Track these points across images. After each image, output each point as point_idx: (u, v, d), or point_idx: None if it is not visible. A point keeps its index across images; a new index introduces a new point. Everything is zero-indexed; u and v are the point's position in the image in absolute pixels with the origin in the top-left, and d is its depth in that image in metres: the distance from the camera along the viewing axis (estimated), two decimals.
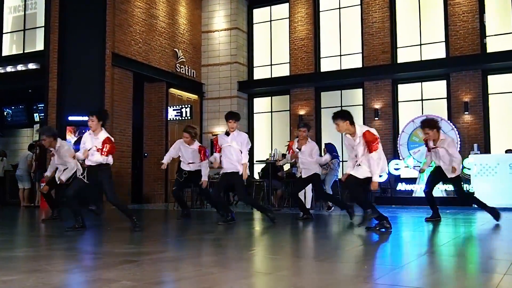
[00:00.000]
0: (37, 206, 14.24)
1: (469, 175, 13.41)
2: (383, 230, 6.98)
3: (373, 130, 7.13)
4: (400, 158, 15.39)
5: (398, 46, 17.16)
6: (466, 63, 15.82)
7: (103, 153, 7.21)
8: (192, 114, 16.98)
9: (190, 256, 4.95)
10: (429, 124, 8.62)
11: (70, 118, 14.19)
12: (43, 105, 15.32)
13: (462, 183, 8.90)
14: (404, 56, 16.99)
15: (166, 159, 9.63)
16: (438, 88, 16.60)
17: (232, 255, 5.18)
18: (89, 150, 7.27)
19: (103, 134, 7.34)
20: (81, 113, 14.02)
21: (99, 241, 6.60)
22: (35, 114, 17.34)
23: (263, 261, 4.94)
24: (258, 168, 17.10)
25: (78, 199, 7.47)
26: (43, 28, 15.33)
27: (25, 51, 15.89)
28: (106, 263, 4.51)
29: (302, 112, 18.08)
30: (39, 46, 15.54)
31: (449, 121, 15.18)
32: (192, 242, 6.34)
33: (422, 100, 16.71)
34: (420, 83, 16.77)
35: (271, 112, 18.91)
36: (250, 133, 18.87)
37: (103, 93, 14.37)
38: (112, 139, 7.49)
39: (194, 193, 14.18)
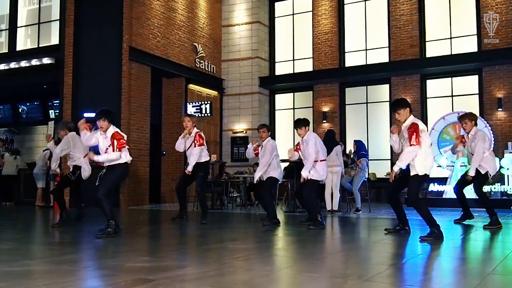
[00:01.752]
0: (51, 206, 13.73)
1: (507, 175, 12.67)
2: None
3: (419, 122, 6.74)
4: None
5: (427, 40, 16.51)
6: (499, 57, 15.07)
7: (114, 149, 6.95)
8: (211, 111, 16.40)
9: (215, 273, 4.22)
10: (469, 115, 8.76)
11: (86, 114, 13.43)
12: (58, 101, 14.89)
13: (483, 183, 8.76)
14: (433, 50, 16.34)
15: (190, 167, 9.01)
16: (469, 83, 15.92)
17: (262, 272, 4.43)
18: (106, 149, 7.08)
19: (111, 130, 7.15)
20: (97, 109, 13.45)
21: (109, 252, 5.87)
22: (50, 111, 16.88)
23: (302, 282, 4.17)
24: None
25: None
26: (58, 21, 14.83)
27: (39, 45, 15.40)
28: (116, 284, 3.79)
29: (326, 108, 17.53)
30: (54, 40, 15.05)
31: (481, 118, 14.36)
32: (215, 253, 5.61)
33: (452, 96, 16.08)
34: (450, 78, 16.16)
35: (294, 109, 18.41)
36: (272, 130, 18.20)
37: (119, 89, 13.85)
38: (122, 133, 7.15)
39: (214, 193, 13.60)
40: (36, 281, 3.91)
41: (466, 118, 8.66)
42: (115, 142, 6.95)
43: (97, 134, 7.30)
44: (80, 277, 4.24)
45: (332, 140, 11.17)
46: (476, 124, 8.65)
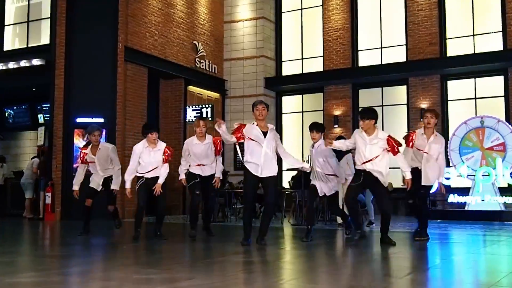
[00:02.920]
0: (40, 218, 14.28)
1: None
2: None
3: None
4: (451, 165, 14.96)
5: (447, 37, 16.91)
6: None
7: (165, 161, 8.73)
8: (213, 115, 16.82)
9: (222, 285, 4.82)
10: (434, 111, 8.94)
11: (79, 120, 14.20)
12: (48, 105, 15.34)
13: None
14: (454, 48, 16.73)
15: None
16: (494, 84, 16.31)
17: (266, 283, 5.04)
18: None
19: (162, 145, 8.78)
20: (91, 114, 14.10)
21: (114, 264, 6.50)
22: (39, 115, 17.38)
23: None
24: (288, 176, 16.88)
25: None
26: (49, 19, 15.31)
27: (29, 45, 15.89)
28: None
29: (337, 112, 17.93)
30: (45, 39, 15.53)
31: (507, 123, 14.77)
32: (220, 266, 6.22)
33: (475, 98, 16.47)
34: (473, 79, 16.52)
35: (302, 112, 18.74)
36: (279, 135, 18.65)
37: (114, 92, 14.32)
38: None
39: (216, 204, 13.77)
40: None
41: (433, 113, 8.75)
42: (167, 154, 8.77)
43: (139, 147, 8.72)
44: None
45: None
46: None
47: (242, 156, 8.43)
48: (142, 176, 8.67)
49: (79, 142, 14.02)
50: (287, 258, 7.23)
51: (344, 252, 7.87)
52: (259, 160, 7.77)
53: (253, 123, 8.02)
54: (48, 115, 15.50)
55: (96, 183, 9.72)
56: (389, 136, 8.06)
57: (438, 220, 13.42)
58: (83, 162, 9.74)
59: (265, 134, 7.95)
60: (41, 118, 17.30)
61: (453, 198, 14.17)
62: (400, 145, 8.10)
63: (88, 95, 14.20)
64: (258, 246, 7.69)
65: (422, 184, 8.52)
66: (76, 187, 9.76)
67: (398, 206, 16.55)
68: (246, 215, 8.06)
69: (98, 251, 8.02)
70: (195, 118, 16.86)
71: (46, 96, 15.05)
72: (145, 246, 8.37)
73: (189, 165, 9.08)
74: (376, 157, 8.03)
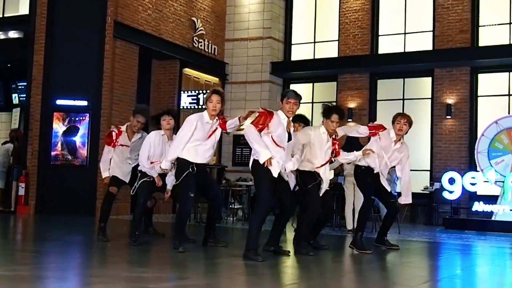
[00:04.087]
0: (12, 211, 14.44)
1: None
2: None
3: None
4: (478, 169, 15.20)
5: (480, 24, 16.96)
6: None
7: None
8: None
9: (217, 286, 5.14)
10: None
11: (59, 101, 14.36)
12: (25, 83, 15.44)
13: None
14: (488, 37, 16.79)
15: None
16: None
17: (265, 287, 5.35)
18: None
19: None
20: (73, 95, 14.30)
21: (102, 262, 6.82)
22: (14, 95, 17.50)
23: None
24: None
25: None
26: None
27: (4, 15, 16.04)
28: None
29: (352, 104, 17.97)
30: (23, 9, 15.63)
31: None
32: (215, 267, 6.54)
33: (509, 95, 16.56)
34: (508, 73, 16.59)
35: (312, 102, 18.64)
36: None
37: (101, 72, 14.38)
38: None
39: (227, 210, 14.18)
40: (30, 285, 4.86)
41: (407, 119, 8.92)
42: None
43: (153, 136, 8.56)
44: (82, 283, 5.20)
45: (355, 144, 11.56)
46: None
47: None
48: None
49: (58, 127, 14.20)
50: (288, 263, 7.46)
51: (351, 259, 8.14)
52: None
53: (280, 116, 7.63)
54: (24, 95, 15.62)
55: (123, 172, 9.13)
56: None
57: (460, 230, 13.56)
58: (114, 145, 9.09)
59: (289, 137, 7.65)
60: (15, 98, 17.42)
61: (478, 206, 14.25)
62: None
63: (71, 74, 14.30)
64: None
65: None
66: (107, 173, 9.13)
67: (417, 213, 16.74)
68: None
69: (75, 248, 8.33)
70: (190, 105, 17.10)
71: (22, 74, 15.15)
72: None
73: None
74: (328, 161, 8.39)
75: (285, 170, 7.61)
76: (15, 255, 7.39)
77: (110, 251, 7.83)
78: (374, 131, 8.80)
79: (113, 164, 9.11)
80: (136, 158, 8.98)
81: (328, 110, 8.38)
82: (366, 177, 8.77)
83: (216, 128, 8.18)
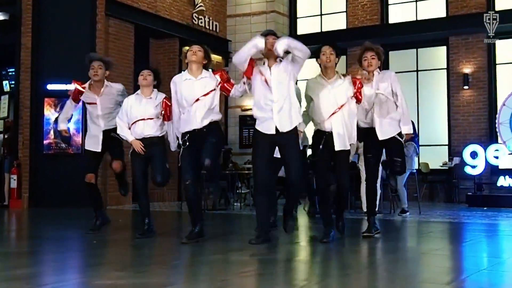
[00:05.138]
0: (5, 205, 13.93)
1: None
2: None
3: None
4: (500, 141, 14.90)
5: None
6: None
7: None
8: None
9: None
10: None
11: (50, 86, 13.91)
12: (13, 69, 15.10)
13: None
14: (505, 0, 16.25)
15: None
16: None
17: None
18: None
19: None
20: (65, 79, 13.38)
21: (75, 265, 5.97)
22: (4, 82, 16.99)
23: None
24: None
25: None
26: None
27: None
28: None
29: None
30: None
31: None
32: (214, 267, 5.65)
33: None
34: None
35: None
36: None
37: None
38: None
39: (217, 188, 13.64)
40: None
41: (372, 52, 7.70)
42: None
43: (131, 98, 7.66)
44: None
45: None
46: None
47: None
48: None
49: (50, 113, 13.75)
50: (301, 256, 6.78)
51: (372, 248, 7.20)
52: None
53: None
54: (13, 82, 15.20)
55: (94, 140, 8.06)
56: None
57: (485, 208, 13.14)
58: (75, 99, 8.14)
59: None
60: (6, 85, 16.89)
61: (503, 181, 14.07)
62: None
63: (62, 57, 13.81)
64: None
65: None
66: (63, 125, 8.33)
67: (437, 191, 16.33)
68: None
69: (65, 246, 7.47)
70: None
71: (10, 59, 14.77)
72: (123, 240, 7.87)
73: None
74: (341, 107, 7.11)
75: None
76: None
77: (91, 251, 6.92)
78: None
79: (87, 134, 8.27)
80: (108, 118, 7.99)
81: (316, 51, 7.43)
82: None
83: (213, 89, 7.11)
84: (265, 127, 6.79)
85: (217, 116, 7.20)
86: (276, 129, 6.72)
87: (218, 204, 13.61)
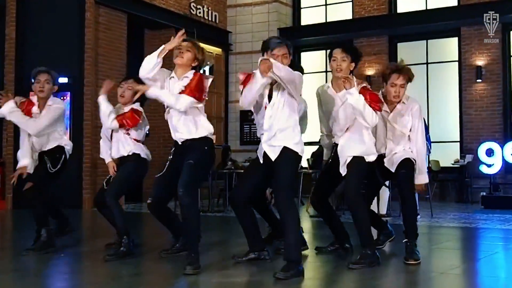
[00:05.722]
0: None
1: None
2: None
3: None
4: None
5: None
6: None
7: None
8: (213, 75, 15.87)
9: None
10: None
11: None
12: None
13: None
14: None
15: None
16: None
17: None
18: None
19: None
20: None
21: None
22: None
23: None
24: (307, 152, 16.00)
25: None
26: None
27: None
28: None
29: (370, 71, 17.18)
30: None
31: None
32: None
33: None
34: None
35: (326, 72, 17.88)
36: None
37: (82, 44, 13.56)
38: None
39: (216, 188, 13.61)
40: None
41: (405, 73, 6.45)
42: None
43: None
44: None
45: None
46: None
47: None
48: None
49: (35, 108, 12.90)
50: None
51: (378, 270, 6.23)
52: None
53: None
54: None
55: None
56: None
57: (502, 210, 12.58)
58: (29, 113, 7.60)
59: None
60: None
61: None
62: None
63: (48, 48, 13.44)
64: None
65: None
66: (26, 160, 7.75)
67: (448, 190, 16.07)
68: None
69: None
70: None
71: None
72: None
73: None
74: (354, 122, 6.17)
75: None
76: None
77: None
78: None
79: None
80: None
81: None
82: None
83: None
84: (259, 149, 5.88)
85: (202, 131, 6.11)
86: (267, 155, 5.76)
87: (215, 205, 13.51)
